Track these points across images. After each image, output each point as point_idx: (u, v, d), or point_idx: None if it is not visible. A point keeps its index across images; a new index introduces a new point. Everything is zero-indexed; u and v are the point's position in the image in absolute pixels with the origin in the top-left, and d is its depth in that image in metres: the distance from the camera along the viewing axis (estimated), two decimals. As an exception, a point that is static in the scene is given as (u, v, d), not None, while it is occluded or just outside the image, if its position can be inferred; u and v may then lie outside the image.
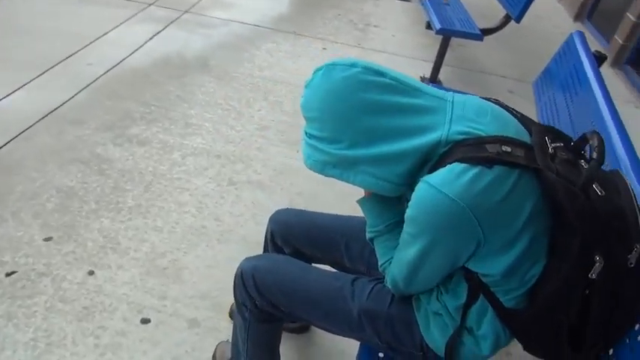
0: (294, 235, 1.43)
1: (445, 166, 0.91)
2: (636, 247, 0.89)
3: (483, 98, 1.06)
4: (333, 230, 1.39)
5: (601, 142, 0.94)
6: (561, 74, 2.05)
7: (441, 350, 1.08)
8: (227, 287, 1.96)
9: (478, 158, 0.88)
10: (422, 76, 3.75)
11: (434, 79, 3.64)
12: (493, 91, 3.74)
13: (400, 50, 4.13)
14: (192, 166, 2.53)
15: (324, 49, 3.97)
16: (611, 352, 0.99)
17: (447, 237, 0.92)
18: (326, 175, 1.03)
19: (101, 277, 1.91)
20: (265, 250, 1.57)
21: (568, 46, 2.13)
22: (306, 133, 1.02)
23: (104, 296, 1.84)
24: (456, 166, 0.88)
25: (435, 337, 1.09)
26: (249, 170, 2.56)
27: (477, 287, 1.00)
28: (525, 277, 0.95)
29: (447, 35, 3.30)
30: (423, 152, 0.94)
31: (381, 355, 1.21)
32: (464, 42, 4.23)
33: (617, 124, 1.49)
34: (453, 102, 0.97)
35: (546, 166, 0.89)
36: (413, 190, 0.98)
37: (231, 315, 1.79)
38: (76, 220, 2.13)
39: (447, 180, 0.88)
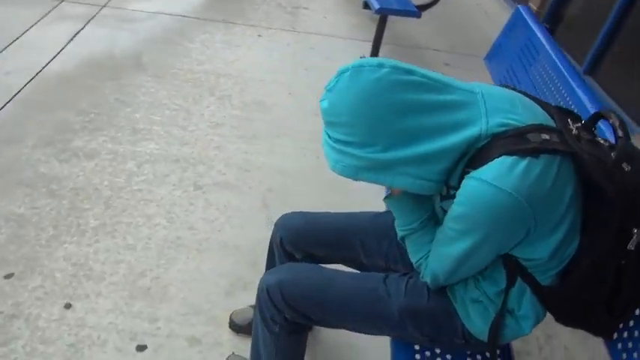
0: (305, 240, 1.39)
1: (487, 159, 0.91)
2: None
3: (502, 86, 1.07)
4: (345, 229, 1.37)
5: (621, 120, 0.98)
6: (515, 46, 2.14)
7: (483, 335, 1.11)
8: (218, 298, 1.90)
9: (525, 150, 0.89)
10: (362, 56, 3.76)
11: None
12: (431, 65, 3.84)
13: (335, 31, 4.11)
14: (152, 174, 2.37)
15: (260, 36, 3.86)
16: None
17: (502, 230, 0.93)
18: (358, 180, 1.00)
19: (80, 308, 1.75)
20: (271, 258, 1.51)
21: (516, 20, 2.22)
22: (330, 137, 0.98)
23: (89, 329, 1.69)
24: (506, 160, 0.89)
25: (476, 323, 1.11)
26: (212, 172, 2.45)
27: (515, 270, 1.03)
28: (563, 256, 0.99)
29: (386, 14, 3.33)
30: (463, 148, 0.94)
31: (417, 347, 1.22)
32: (396, 19, 4.29)
33: (582, 87, 1.60)
34: (482, 94, 0.97)
35: (580, 149, 0.92)
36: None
37: (232, 326, 1.73)
38: (35, 250, 1.94)
39: (501, 174, 0.88)
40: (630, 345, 1.04)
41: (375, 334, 1.24)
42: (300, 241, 1.39)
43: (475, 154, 0.94)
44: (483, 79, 4.00)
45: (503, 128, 0.93)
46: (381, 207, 1.39)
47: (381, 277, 1.21)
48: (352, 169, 0.97)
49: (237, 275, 1.96)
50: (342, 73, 0.95)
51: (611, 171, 0.91)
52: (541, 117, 0.98)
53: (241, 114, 2.90)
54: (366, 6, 3.46)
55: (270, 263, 1.53)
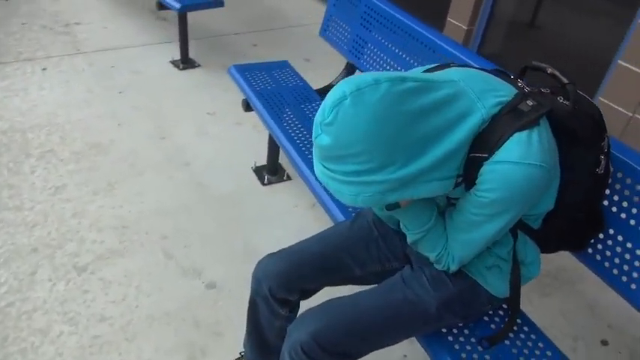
0: (296, 279, 1.27)
1: (496, 141, 0.94)
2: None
3: (448, 65, 1.10)
4: (329, 251, 1.30)
5: (556, 69, 1.11)
6: (355, 14, 2.21)
7: (505, 293, 1.19)
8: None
9: (529, 122, 0.94)
10: (172, 59, 3.47)
11: (185, 59, 3.42)
12: (241, 49, 3.76)
13: (127, 41, 3.69)
14: (12, 277, 1.88)
15: (44, 69, 3.24)
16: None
17: (531, 200, 0.98)
18: (384, 204, 0.94)
19: None
20: (255, 315, 1.36)
21: (341, -11, 2.29)
22: (338, 172, 0.90)
23: None
24: (521, 137, 0.93)
25: (497, 285, 1.18)
26: (86, 245, 2.05)
27: (516, 226, 1.12)
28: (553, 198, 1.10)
29: (188, 11, 3.09)
30: (471, 136, 0.95)
31: (444, 330, 1.25)
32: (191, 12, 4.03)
33: (445, 39, 1.76)
34: (462, 80, 0.98)
35: (550, 104, 1.02)
36: None
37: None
38: None
39: (524, 151, 0.92)
40: (608, 254, 1.23)
41: (410, 337, 1.23)
42: (291, 283, 1.28)
43: (478, 138, 0.96)
44: (311, 51, 3.95)
45: (499, 107, 0.96)
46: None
47: (399, 281, 1.20)
48: (377, 196, 0.91)
49: (187, 343, 1.72)
50: (338, 102, 0.85)
51: (574, 114, 1.03)
52: (506, 85, 1.04)
53: (79, 166, 2.46)
54: (162, 7, 3.16)
55: (255, 321, 1.38)
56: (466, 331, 1.26)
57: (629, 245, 1.19)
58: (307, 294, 1.32)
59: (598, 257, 1.25)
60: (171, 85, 3.23)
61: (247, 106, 2.27)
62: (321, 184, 1.73)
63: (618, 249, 1.21)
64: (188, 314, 1.82)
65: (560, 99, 1.07)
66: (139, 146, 2.64)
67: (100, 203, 2.26)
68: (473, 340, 1.24)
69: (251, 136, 2.83)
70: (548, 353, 1.24)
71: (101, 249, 2.04)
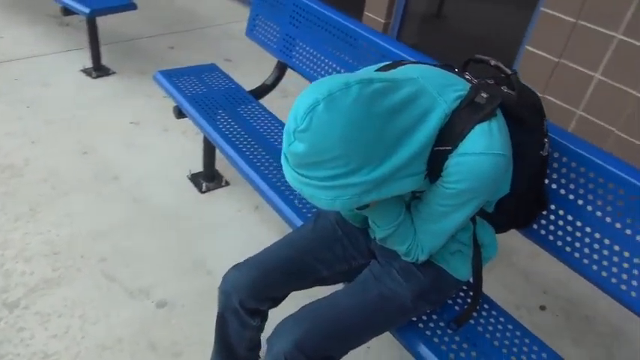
0: (265, 288, 1.25)
1: (458, 133, 0.98)
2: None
3: (413, 62, 1.13)
4: (295, 256, 1.29)
5: (498, 61, 1.17)
6: (283, 12, 2.19)
7: (469, 275, 1.25)
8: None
9: (487, 113, 0.99)
10: (83, 68, 3.24)
11: (98, 66, 3.21)
12: (158, 53, 3.59)
13: (31, 50, 3.38)
14: None
15: None
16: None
17: (494, 187, 1.03)
18: (360, 205, 0.95)
19: None
20: (224, 330, 1.32)
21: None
22: (313, 178, 0.89)
23: None
24: (482, 128, 0.97)
25: (461, 269, 1.24)
26: (14, 278, 1.87)
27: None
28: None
29: (98, 15, 2.90)
30: (437, 131, 0.98)
31: (414, 319, 1.29)
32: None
33: (381, 35, 1.81)
34: (421, 77, 1.01)
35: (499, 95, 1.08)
36: None
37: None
38: None
39: (488, 142, 0.96)
40: (552, 228, 1.33)
41: (388, 330, 1.25)
42: (261, 292, 1.25)
43: (441, 132, 0.99)
44: (230, 51, 3.88)
45: (458, 101, 1.00)
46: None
47: (369, 278, 1.22)
48: (355, 199, 0.91)
49: (146, 369, 1.63)
50: (311, 109, 0.85)
51: (520, 103, 1.10)
52: (460, 79, 1.08)
53: (-8, 192, 2.23)
54: (68, 12, 2.92)
55: (225, 337, 1.34)
56: (434, 317, 1.31)
57: (569, 218, 1.30)
58: (277, 301, 1.31)
59: (542, 232, 1.36)
60: (85, 96, 3.01)
61: (179, 113, 2.18)
62: (279, 188, 1.72)
63: (560, 222, 1.32)
64: (142, 337, 1.72)
65: (505, 89, 1.13)
66: (59, 164, 2.44)
67: (24, 230, 2.07)
68: (441, 324, 1.30)
69: (181, 143, 2.72)
70: (510, 327, 1.32)
71: (32, 280, 1.87)
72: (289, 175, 0.92)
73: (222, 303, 1.29)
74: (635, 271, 1.20)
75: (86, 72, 3.22)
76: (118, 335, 1.72)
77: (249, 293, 1.25)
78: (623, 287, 1.21)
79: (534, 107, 1.14)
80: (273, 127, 2.08)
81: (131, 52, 3.57)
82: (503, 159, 0.98)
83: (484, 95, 1.03)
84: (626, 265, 1.21)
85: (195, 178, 2.45)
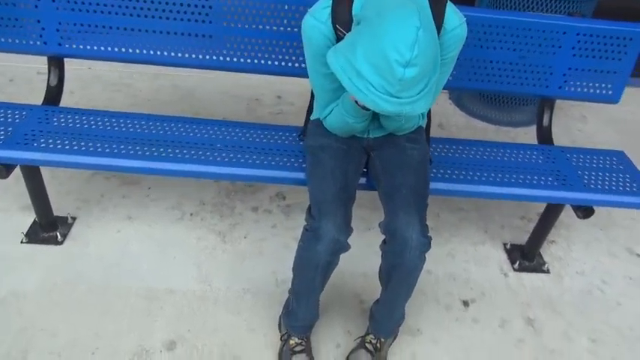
0: (347, 214, 1.41)
1: (443, 14, 1.25)
2: None
3: None
4: (343, 180, 1.45)
5: None
6: None
7: (424, 122, 1.62)
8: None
9: None
10: None
11: None
12: None
13: None
14: None
15: None
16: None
17: None
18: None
19: None
20: (325, 276, 1.48)
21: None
22: (417, 93, 1.09)
23: None
24: (450, 5, 1.26)
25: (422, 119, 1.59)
26: None
27: None
28: None
29: None
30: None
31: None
32: None
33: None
34: None
35: None
36: None
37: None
38: None
39: (459, 14, 1.26)
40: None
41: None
42: (350, 218, 1.41)
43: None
44: None
45: None
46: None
47: (400, 158, 1.49)
48: (432, 98, 1.17)
49: None
50: (415, 36, 1.01)
51: None
52: None
53: None
54: None
55: (328, 275, 1.48)
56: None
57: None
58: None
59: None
60: None
61: (8, 170, 1.62)
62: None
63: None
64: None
65: None
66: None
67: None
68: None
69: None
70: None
71: None
72: (390, 106, 1.08)
73: (329, 250, 1.35)
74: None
75: None
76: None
77: (347, 228, 1.37)
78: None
79: None
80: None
81: None
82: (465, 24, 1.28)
83: None
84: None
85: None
